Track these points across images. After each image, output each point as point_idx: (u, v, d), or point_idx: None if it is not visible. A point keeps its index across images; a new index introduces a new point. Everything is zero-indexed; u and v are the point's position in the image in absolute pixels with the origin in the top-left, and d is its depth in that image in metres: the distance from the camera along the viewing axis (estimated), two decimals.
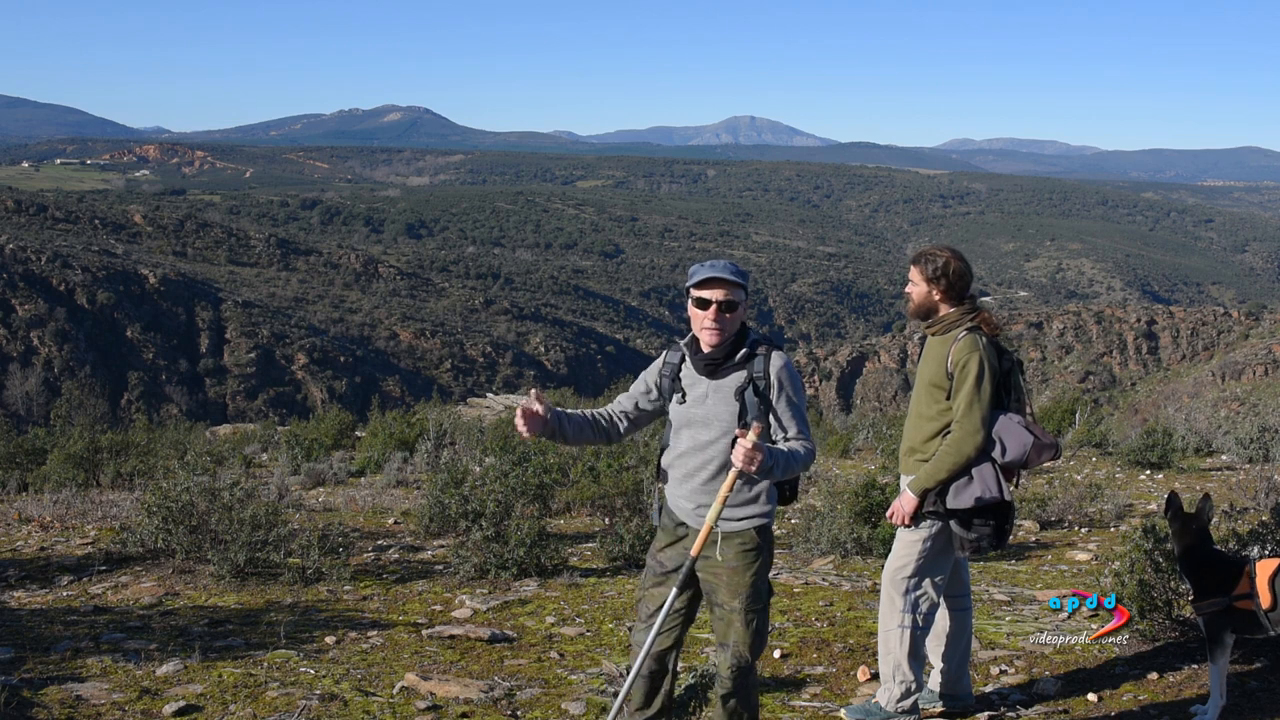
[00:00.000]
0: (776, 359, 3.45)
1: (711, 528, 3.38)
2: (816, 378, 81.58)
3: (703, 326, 3.45)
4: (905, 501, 4.12)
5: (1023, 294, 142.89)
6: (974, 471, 4.00)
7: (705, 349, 3.49)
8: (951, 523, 4.06)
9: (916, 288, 4.18)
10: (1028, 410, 4.09)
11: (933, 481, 4.03)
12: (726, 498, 3.34)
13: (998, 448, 4.00)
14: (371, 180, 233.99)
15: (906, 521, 4.14)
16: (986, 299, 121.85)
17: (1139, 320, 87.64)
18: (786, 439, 3.44)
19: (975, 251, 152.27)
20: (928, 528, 4.11)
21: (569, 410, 3.65)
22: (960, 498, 4.01)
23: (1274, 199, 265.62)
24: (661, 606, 3.52)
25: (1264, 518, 5.65)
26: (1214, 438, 14.57)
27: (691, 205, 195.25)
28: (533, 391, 3.58)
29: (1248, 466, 12.12)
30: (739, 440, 3.23)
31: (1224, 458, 13.30)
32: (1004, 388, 4.09)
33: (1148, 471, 12.04)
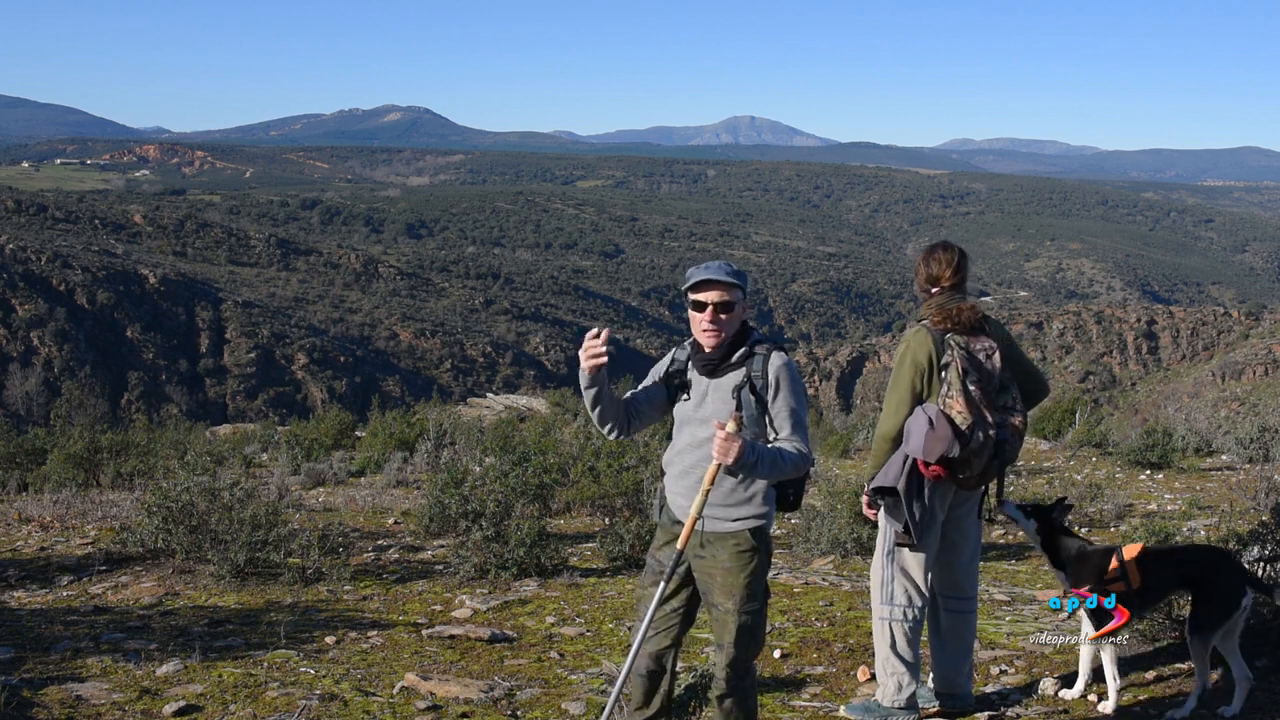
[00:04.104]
0: (776, 359, 3.42)
1: (695, 521, 3.37)
2: (816, 378, 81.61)
3: (701, 329, 3.44)
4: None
5: (1023, 294, 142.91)
6: (892, 457, 4.11)
7: (705, 350, 3.48)
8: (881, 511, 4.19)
9: None
10: (957, 407, 3.95)
11: (871, 469, 4.21)
12: (708, 490, 3.33)
13: (905, 437, 4.06)
14: (371, 180, 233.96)
15: (869, 512, 4.31)
16: (986, 299, 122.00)
17: (1139, 320, 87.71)
18: (777, 440, 3.39)
19: (975, 251, 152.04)
20: (886, 516, 4.20)
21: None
22: (873, 481, 4.16)
23: (1274, 199, 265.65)
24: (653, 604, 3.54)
25: (1264, 518, 5.65)
26: (1214, 438, 14.57)
27: (691, 205, 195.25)
28: (604, 333, 3.43)
29: (1248, 466, 12.12)
30: (716, 431, 3.24)
31: (1224, 458, 13.30)
32: (932, 380, 4.06)
33: (1148, 471, 12.05)
